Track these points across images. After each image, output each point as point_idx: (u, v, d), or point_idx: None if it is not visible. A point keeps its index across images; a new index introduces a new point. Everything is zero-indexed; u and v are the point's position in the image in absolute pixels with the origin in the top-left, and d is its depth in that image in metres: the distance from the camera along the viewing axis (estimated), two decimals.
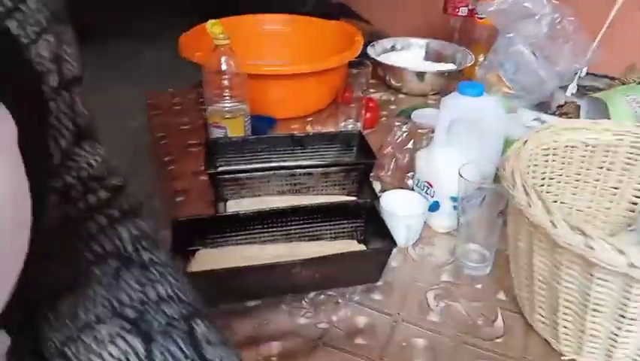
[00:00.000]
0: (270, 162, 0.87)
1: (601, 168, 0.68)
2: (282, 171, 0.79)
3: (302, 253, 0.66)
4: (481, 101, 0.70)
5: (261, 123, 1.01)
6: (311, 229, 0.71)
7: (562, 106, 0.90)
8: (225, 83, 0.84)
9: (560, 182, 0.69)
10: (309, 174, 0.80)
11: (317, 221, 0.71)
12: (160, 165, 0.98)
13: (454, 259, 0.72)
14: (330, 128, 1.06)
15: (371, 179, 0.90)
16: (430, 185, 0.75)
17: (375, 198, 0.75)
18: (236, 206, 0.77)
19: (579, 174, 0.69)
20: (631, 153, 0.67)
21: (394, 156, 0.89)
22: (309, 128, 1.06)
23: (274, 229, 0.70)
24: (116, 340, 0.33)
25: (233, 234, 0.69)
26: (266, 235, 0.70)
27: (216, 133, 0.88)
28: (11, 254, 0.25)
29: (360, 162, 0.83)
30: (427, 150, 0.77)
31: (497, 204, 0.65)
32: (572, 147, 0.67)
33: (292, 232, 0.71)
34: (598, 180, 0.69)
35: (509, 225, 0.61)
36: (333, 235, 0.72)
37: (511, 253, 0.61)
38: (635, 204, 0.69)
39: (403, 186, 0.87)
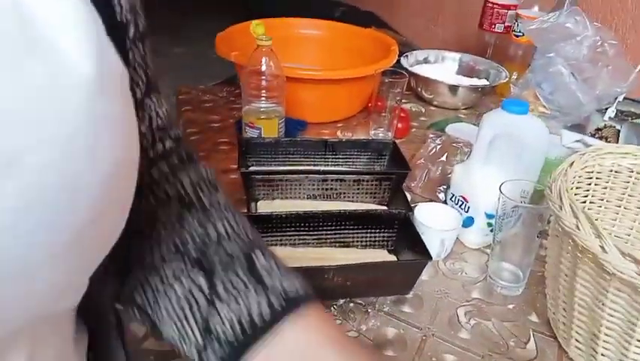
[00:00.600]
0: (301, 164, 0.87)
1: None
2: (314, 176, 0.79)
3: (332, 259, 0.65)
4: (525, 119, 0.69)
5: (292, 126, 1.01)
6: (342, 236, 0.71)
7: (600, 130, 0.88)
8: (264, 83, 0.84)
9: (600, 206, 0.68)
10: (342, 180, 0.80)
11: (349, 228, 0.71)
12: None
13: (485, 277, 0.71)
14: (360, 136, 1.06)
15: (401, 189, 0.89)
16: (466, 200, 0.75)
17: (409, 209, 0.74)
18: (267, 207, 0.77)
19: (621, 200, 0.68)
20: None
21: (427, 168, 0.89)
22: (339, 134, 1.06)
23: (306, 233, 0.69)
24: (180, 277, 0.33)
25: (265, 234, 0.68)
26: (298, 238, 0.70)
27: (250, 133, 0.88)
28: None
29: (393, 172, 0.82)
30: (465, 164, 0.76)
31: (536, 224, 0.64)
32: (616, 172, 0.66)
33: (323, 237, 0.70)
34: None
35: (550, 246, 0.60)
36: (363, 244, 0.72)
37: (550, 275, 0.60)
38: None
39: (433, 198, 0.86)
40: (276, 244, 0.69)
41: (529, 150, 0.69)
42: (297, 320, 0.33)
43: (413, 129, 1.10)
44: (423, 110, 1.20)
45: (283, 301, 0.33)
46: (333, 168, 0.87)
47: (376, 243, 0.72)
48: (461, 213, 0.75)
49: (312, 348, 0.33)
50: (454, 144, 0.89)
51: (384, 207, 0.80)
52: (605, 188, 0.67)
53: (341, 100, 1.07)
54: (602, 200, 0.68)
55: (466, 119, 1.13)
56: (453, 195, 0.77)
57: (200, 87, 1.22)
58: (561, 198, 0.53)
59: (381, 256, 0.71)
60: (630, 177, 0.66)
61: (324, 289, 0.61)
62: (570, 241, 0.53)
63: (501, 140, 0.70)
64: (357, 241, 0.71)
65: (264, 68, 0.83)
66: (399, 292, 0.66)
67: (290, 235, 0.69)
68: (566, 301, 0.56)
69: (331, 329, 0.35)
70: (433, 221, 0.72)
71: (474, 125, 0.99)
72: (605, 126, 0.89)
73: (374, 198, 0.81)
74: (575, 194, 0.64)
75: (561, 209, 0.53)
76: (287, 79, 0.91)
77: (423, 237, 0.71)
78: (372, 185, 0.80)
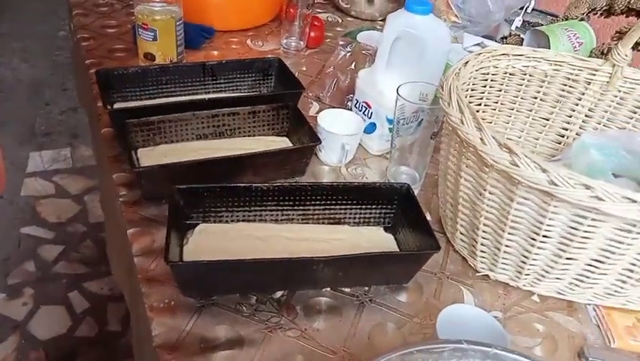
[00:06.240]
0: (177, 95, 0.77)
1: (535, 98, 0.69)
2: (203, 112, 0.68)
3: (321, 239, 0.58)
4: (427, 20, 0.67)
5: (196, 33, 0.93)
6: (333, 212, 0.60)
7: (506, 38, 0.89)
8: None
9: (495, 109, 0.69)
10: (235, 113, 0.69)
11: (341, 203, 0.60)
12: (83, 68, 0.89)
13: (386, 180, 0.72)
14: (272, 45, 1.01)
15: (310, 100, 0.87)
16: (369, 105, 0.74)
17: (315, 138, 0.68)
18: (149, 156, 0.66)
19: (514, 103, 0.69)
20: (565, 85, 0.68)
21: (335, 77, 0.86)
22: (250, 44, 1.00)
23: (290, 208, 0.59)
24: None
25: (242, 208, 0.58)
26: (280, 213, 0.59)
27: (144, 36, 0.80)
28: None
29: (286, 92, 0.77)
30: (369, 70, 0.75)
31: (432, 127, 0.64)
32: (510, 74, 0.67)
33: (310, 212, 0.60)
34: (531, 111, 0.70)
35: (442, 146, 0.60)
36: (356, 220, 0.61)
37: (441, 174, 0.61)
38: (563, 136, 0.71)
39: (342, 107, 0.85)
40: (254, 220, 0.59)
41: (431, 51, 0.67)
42: None
43: (328, 39, 1.06)
44: (340, 20, 1.15)
45: None
46: (217, 96, 0.77)
47: (371, 219, 0.62)
48: (365, 120, 0.74)
49: None
50: (363, 52, 0.86)
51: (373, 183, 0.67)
52: (500, 91, 0.68)
53: (250, 5, 1.00)
54: (497, 103, 0.69)
55: (382, 29, 1.10)
56: (357, 101, 0.75)
57: None
58: (450, 95, 0.53)
59: (377, 235, 0.61)
60: (523, 79, 0.67)
61: (313, 280, 0.54)
62: (456, 136, 0.53)
63: (403, 44, 0.69)
64: (350, 218, 0.61)
65: None
66: (397, 282, 0.57)
67: (271, 210, 0.59)
68: (453, 197, 0.58)
69: None
70: (335, 126, 0.70)
71: None
72: (510, 35, 0.89)
73: (272, 129, 0.73)
74: (471, 96, 0.65)
75: (449, 105, 0.53)
76: None
77: (324, 142, 0.70)
78: (269, 115, 0.72)
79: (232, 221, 0.59)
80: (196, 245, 0.55)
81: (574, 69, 0.66)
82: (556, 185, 0.45)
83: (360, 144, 0.75)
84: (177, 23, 0.81)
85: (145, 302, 0.50)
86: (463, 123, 0.50)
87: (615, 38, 0.72)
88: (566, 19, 0.84)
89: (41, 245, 1.39)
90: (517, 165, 0.46)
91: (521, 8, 0.96)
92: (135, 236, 0.57)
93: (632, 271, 0.51)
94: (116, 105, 0.74)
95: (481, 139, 0.49)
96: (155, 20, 0.79)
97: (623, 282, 0.52)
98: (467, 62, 0.61)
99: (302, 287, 0.55)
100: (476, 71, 0.63)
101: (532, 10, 1.00)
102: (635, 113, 0.67)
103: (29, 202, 1.52)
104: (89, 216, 1.50)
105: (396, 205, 0.61)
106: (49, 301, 1.24)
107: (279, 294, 0.54)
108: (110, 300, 1.26)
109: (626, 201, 0.43)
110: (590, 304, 0.57)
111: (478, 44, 0.82)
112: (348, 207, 0.61)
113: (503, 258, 0.55)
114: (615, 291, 0.54)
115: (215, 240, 0.56)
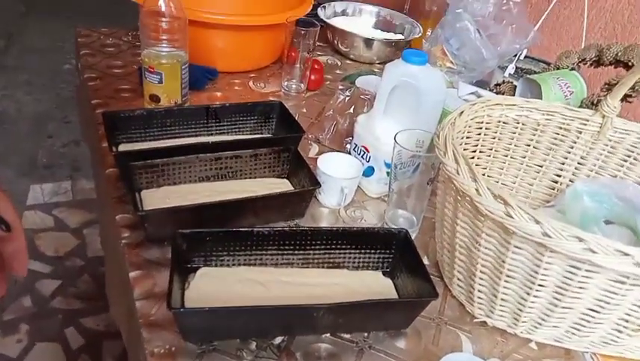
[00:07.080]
0: (181, 136, 0.79)
1: (528, 145, 0.71)
2: (206, 155, 0.70)
3: (321, 283, 0.60)
4: (424, 70, 0.70)
5: (201, 74, 0.96)
6: (332, 256, 0.62)
7: (499, 85, 0.92)
8: (164, 26, 0.79)
9: (489, 156, 0.71)
10: (237, 156, 0.72)
11: (340, 247, 0.61)
12: (89, 108, 0.91)
13: (383, 223, 0.73)
14: (273, 87, 1.04)
15: (309, 141, 0.89)
16: (367, 150, 0.76)
17: (314, 181, 0.69)
18: (152, 198, 0.67)
19: (508, 150, 0.72)
20: (557, 134, 0.70)
21: (335, 120, 0.89)
22: (252, 85, 1.03)
23: (291, 252, 0.61)
24: None
25: (244, 252, 0.59)
26: (281, 257, 0.61)
27: (150, 79, 0.82)
28: None
29: (287, 136, 0.79)
30: (367, 115, 0.77)
31: (429, 173, 0.66)
32: (504, 122, 0.69)
33: (310, 256, 0.61)
34: (524, 157, 0.72)
35: (438, 192, 0.62)
36: (355, 265, 0.63)
37: (438, 220, 0.63)
38: (556, 182, 0.73)
39: (341, 150, 0.87)
40: (255, 263, 0.60)
41: (427, 100, 0.70)
42: None
43: (327, 82, 1.09)
44: (339, 63, 1.19)
45: None
46: (216, 138, 0.79)
47: (370, 264, 0.63)
48: (363, 164, 0.76)
49: None
50: (362, 96, 0.89)
51: (374, 228, 0.63)
52: (494, 138, 0.70)
53: (253, 48, 1.03)
54: (491, 150, 0.71)
55: (381, 73, 1.14)
56: (356, 145, 0.78)
57: (102, 30, 1.13)
58: (446, 145, 0.55)
59: (375, 280, 0.62)
60: (516, 127, 0.70)
61: (313, 326, 0.55)
62: (452, 185, 0.55)
63: (401, 91, 0.71)
64: (349, 262, 0.62)
65: (163, 8, 0.78)
66: (395, 328, 0.58)
67: (272, 254, 0.60)
68: (449, 243, 0.59)
69: None
70: (334, 170, 0.72)
71: None
72: (503, 82, 0.92)
73: (273, 171, 0.75)
74: (466, 143, 0.67)
75: (445, 155, 0.54)
76: (195, 23, 0.86)
77: (324, 185, 0.72)
78: (270, 158, 0.74)
79: (233, 265, 0.60)
80: (198, 289, 0.56)
81: (565, 119, 0.69)
82: (549, 237, 0.46)
83: (358, 186, 0.77)
84: (183, 67, 0.84)
85: (146, 348, 0.51)
86: (458, 173, 0.52)
87: (604, 90, 0.75)
88: (558, 68, 0.87)
89: (39, 280, 1.38)
90: (511, 216, 0.48)
91: (514, 55, 0.99)
92: (137, 280, 0.58)
93: (627, 321, 0.52)
94: (121, 146, 0.76)
95: (477, 190, 0.50)
96: (162, 64, 0.82)
97: (619, 331, 0.53)
98: (462, 112, 0.63)
99: (302, 333, 0.55)
100: (471, 119, 0.65)
101: (525, 57, 1.04)
102: (625, 161, 0.69)
103: (28, 235, 1.52)
104: (88, 251, 1.50)
105: (394, 250, 0.62)
106: (44, 337, 1.23)
107: (278, 340, 0.54)
108: (105, 337, 1.25)
109: (618, 254, 0.45)
110: (587, 353, 0.57)
111: (472, 93, 0.85)
112: (347, 251, 0.62)
113: (500, 305, 0.56)
114: (612, 340, 0.55)
115: (217, 284, 0.57)
